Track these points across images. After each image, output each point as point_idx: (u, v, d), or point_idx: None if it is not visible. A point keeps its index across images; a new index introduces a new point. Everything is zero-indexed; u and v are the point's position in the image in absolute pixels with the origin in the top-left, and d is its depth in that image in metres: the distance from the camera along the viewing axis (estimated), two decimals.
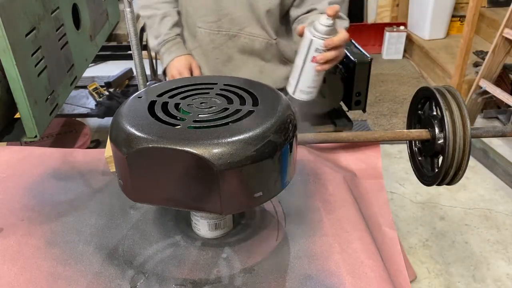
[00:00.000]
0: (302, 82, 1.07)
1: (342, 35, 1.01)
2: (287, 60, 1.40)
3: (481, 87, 2.67)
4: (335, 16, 0.98)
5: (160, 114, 0.70)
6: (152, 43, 1.37)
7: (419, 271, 1.89)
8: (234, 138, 0.63)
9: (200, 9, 1.30)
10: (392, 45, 3.99)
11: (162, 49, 1.34)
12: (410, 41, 3.99)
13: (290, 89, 1.09)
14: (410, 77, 3.69)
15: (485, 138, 1.51)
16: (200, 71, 1.33)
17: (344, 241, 0.79)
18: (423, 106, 1.02)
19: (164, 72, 1.38)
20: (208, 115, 0.70)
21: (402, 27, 3.97)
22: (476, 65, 3.19)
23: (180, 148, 0.62)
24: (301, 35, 1.03)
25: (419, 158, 1.05)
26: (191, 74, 1.31)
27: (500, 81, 2.82)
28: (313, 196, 0.91)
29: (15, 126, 1.37)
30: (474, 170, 2.52)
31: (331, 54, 1.02)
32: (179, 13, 1.36)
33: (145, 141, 0.63)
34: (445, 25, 3.87)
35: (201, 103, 0.74)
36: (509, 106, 2.61)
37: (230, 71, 1.37)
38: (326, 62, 1.02)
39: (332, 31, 0.99)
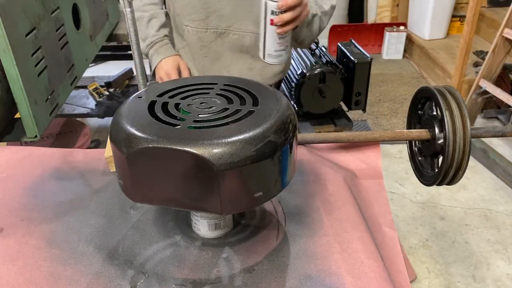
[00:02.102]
0: (268, 47, 1.06)
1: None
2: None
3: (481, 87, 2.67)
4: None
5: (160, 114, 0.70)
6: (140, 46, 1.36)
7: (419, 271, 1.89)
8: (234, 138, 0.63)
9: (187, 7, 1.28)
10: (392, 45, 3.99)
11: (150, 51, 1.33)
12: (410, 41, 3.99)
13: (260, 54, 1.10)
14: (410, 77, 3.69)
15: (485, 138, 1.52)
16: (189, 71, 1.31)
17: (344, 241, 0.79)
18: (423, 106, 1.02)
19: (154, 74, 1.38)
20: (208, 115, 0.70)
21: (402, 27, 3.97)
22: (476, 65, 3.19)
23: (180, 148, 0.62)
24: None
25: (419, 158, 1.05)
26: (180, 75, 1.29)
27: (500, 81, 2.82)
28: (313, 196, 0.91)
29: (15, 126, 1.37)
30: (474, 170, 2.52)
31: (287, 15, 1.01)
32: (167, 14, 1.35)
33: (145, 141, 0.63)
34: (445, 25, 3.87)
35: (201, 103, 0.74)
36: (509, 106, 2.61)
37: (219, 69, 1.35)
38: (285, 24, 1.01)
39: None
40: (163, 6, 1.36)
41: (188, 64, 1.37)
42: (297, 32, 1.18)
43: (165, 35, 1.32)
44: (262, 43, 1.07)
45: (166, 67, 1.27)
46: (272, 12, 1.00)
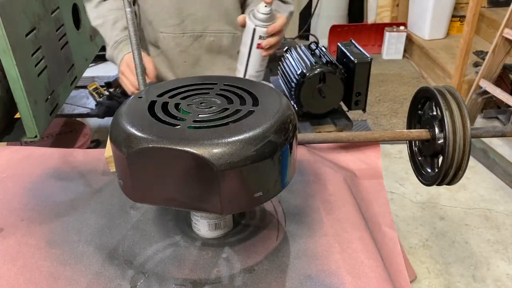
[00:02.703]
0: (251, 68, 1.15)
1: (281, 20, 1.10)
2: None
3: (481, 87, 2.67)
4: (272, 3, 1.06)
5: (160, 114, 0.70)
6: (107, 52, 1.30)
7: (419, 271, 1.89)
8: (234, 138, 0.63)
9: (161, 14, 1.27)
10: (392, 45, 3.99)
11: (114, 52, 1.27)
12: (410, 41, 3.99)
13: (239, 76, 1.16)
14: (410, 77, 3.69)
15: (485, 138, 1.52)
16: (154, 65, 1.23)
17: (344, 241, 0.79)
18: (423, 106, 1.02)
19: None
20: (208, 115, 0.70)
21: (402, 27, 3.97)
22: (476, 65, 3.19)
23: (180, 148, 0.62)
24: (243, 25, 1.10)
25: (419, 158, 1.05)
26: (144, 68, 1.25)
27: (500, 81, 2.82)
28: (313, 196, 0.91)
29: (15, 126, 1.37)
30: (474, 170, 2.52)
31: (274, 39, 1.10)
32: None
33: (145, 141, 0.63)
34: (445, 25, 3.87)
35: (201, 103, 0.74)
36: (509, 106, 2.61)
37: (199, 73, 1.34)
38: (270, 47, 1.10)
39: (272, 17, 1.08)
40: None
41: (164, 71, 1.35)
42: None
43: None
44: (244, 66, 1.14)
45: (129, 60, 1.21)
46: (260, 37, 1.09)
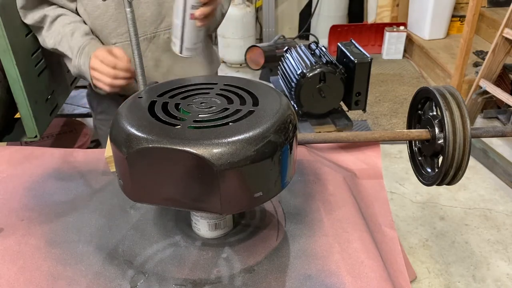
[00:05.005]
0: (187, 40, 1.07)
1: None
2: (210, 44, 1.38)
3: (481, 87, 2.67)
4: None
5: (160, 114, 0.70)
6: (72, 63, 1.19)
7: (419, 271, 1.89)
8: (234, 138, 0.63)
9: (109, 23, 1.20)
10: (392, 45, 3.99)
11: (81, 59, 1.15)
12: (410, 41, 3.99)
13: (176, 49, 1.10)
14: (410, 77, 3.69)
15: (485, 138, 1.52)
16: (124, 53, 1.12)
17: (344, 241, 0.79)
18: (423, 106, 1.03)
19: (91, 86, 1.19)
20: (208, 115, 0.70)
21: (402, 27, 3.97)
22: (476, 65, 3.19)
23: (180, 148, 0.62)
24: None
25: (419, 158, 1.05)
26: (115, 56, 1.13)
27: (500, 81, 2.82)
28: (313, 196, 0.91)
29: (15, 126, 1.37)
30: (474, 170, 2.52)
31: (208, 8, 1.03)
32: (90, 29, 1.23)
33: (145, 141, 0.63)
34: (445, 25, 3.87)
35: (201, 103, 0.74)
36: (509, 106, 2.61)
37: (163, 74, 1.28)
38: (206, 17, 1.03)
39: None
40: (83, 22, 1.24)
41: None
42: None
43: (92, 38, 1.19)
44: (180, 38, 1.07)
45: (98, 54, 1.11)
46: (193, 7, 1.02)
